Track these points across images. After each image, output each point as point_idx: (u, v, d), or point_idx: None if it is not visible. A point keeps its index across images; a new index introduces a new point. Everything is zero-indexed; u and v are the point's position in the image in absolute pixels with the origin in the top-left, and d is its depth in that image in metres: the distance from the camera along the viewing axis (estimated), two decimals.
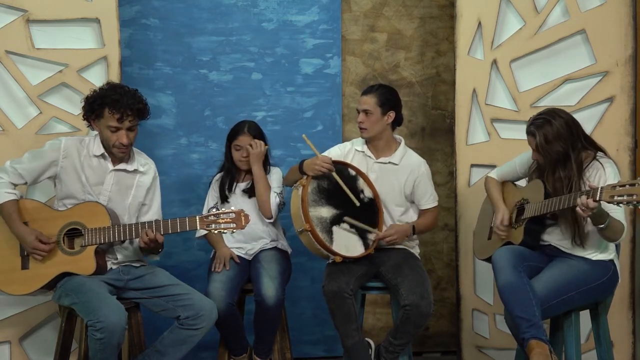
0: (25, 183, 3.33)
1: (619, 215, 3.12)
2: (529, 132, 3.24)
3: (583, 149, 3.21)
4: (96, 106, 3.26)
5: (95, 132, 3.36)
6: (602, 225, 3.04)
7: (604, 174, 3.17)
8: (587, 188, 3.04)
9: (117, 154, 3.32)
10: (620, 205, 2.89)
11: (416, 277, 3.42)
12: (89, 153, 3.34)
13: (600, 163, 3.20)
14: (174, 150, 4.28)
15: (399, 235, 3.54)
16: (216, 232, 3.23)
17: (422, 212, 3.69)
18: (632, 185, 2.83)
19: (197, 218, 3.22)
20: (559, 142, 3.17)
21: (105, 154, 3.34)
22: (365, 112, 3.59)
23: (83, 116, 3.35)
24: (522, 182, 3.57)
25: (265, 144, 3.77)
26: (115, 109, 3.22)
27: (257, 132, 3.78)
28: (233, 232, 3.25)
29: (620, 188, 2.87)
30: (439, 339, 4.59)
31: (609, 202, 2.90)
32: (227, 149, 3.82)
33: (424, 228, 3.68)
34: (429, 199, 3.68)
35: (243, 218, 3.22)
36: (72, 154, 3.32)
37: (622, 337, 3.93)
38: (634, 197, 2.82)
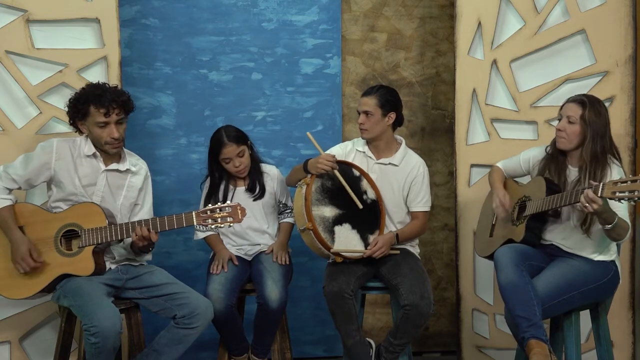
0: (19, 188, 3.33)
1: (622, 214, 3.13)
2: (578, 101, 3.25)
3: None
4: (80, 105, 3.26)
5: (85, 134, 3.35)
6: (609, 226, 3.04)
7: (610, 176, 3.19)
8: (588, 185, 3.04)
9: (110, 151, 3.30)
10: (622, 201, 2.89)
11: (416, 277, 3.42)
12: (81, 154, 3.33)
13: (609, 165, 3.22)
14: (174, 150, 4.28)
15: (386, 247, 3.49)
16: (213, 226, 3.22)
17: (411, 215, 3.66)
18: (634, 181, 2.84)
19: (194, 213, 3.22)
20: (602, 120, 3.23)
21: (97, 153, 3.33)
22: (366, 113, 3.58)
23: (69, 121, 3.34)
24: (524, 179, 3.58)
25: (248, 142, 3.72)
26: (100, 103, 3.23)
27: (236, 137, 3.67)
28: (230, 225, 3.24)
29: (622, 184, 2.87)
30: (439, 339, 4.59)
31: (610, 199, 2.91)
32: (212, 163, 3.72)
33: (408, 236, 3.62)
34: (420, 202, 3.64)
35: (240, 211, 3.20)
36: (65, 155, 3.31)
37: (622, 337, 3.93)
38: (636, 193, 2.82)
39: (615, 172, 3.21)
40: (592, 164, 3.20)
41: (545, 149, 3.40)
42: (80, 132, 3.35)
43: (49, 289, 3.27)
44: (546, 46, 3.95)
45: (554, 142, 3.35)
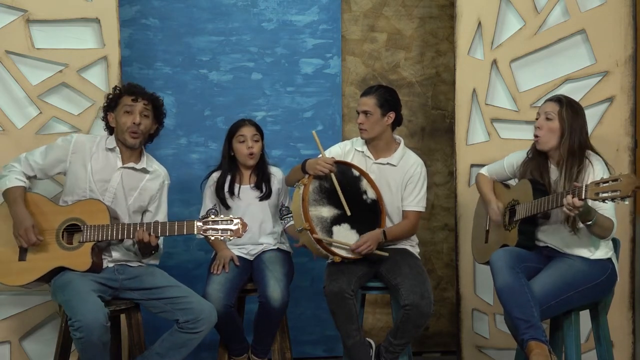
0: (35, 176, 3.36)
1: (608, 212, 3.13)
2: (555, 99, 3.29)
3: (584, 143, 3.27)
4: (115, 95, 3.40)
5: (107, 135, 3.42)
6: (589, 222, 3.05)
7: (592, 171, 3.20)
8: (572, 188, 3.04)
9: (129, 140, 3.34)
10: (606, 202, 2.90)
11: (416, 277, 3.41)
12: (100, 148, 3.38)
13: (590, 161, 3.23)
14: (174, 150, 4.28)
15: (371, 242, 3.46)
16: (212, 238, 3.24)
17: (402, 214, 3.63)
18: (615, 180, 2.85)
19: (196, 223, 3.24)
20: (579, 119, 3.26)
21: (117, 148, 3.37)
22: (365, 113, 3.58)
23: (103, 117, 3.44)
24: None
25: (263, 136, 3.80)
26: (131, 92, 3.39)
27: (255, 123, 3.80)
28: (230, 239, 3.26)
29: (604, 185, 2.88)
30: (439, 339, 4.59)
31: (594, 200, 2.91)
32: (227, 147, 3.80)
33: (396, 235, 3.58)
34: (412, 202, 3.61)
35: (241, 227, 3.23)
36: (82, 149, 3.36)
37: (622, 337, 3.93)
38: (618, 193, 2.83)
39: (597, 165, 3.21)
40: (569, 159, 3.22)
41: (527, 153, 3.41)
42: (110, 129, 3.43)
43: (45, 279, 3.27)
44: (546, 46, 3.95)
45: (534, 145, 3.36)
